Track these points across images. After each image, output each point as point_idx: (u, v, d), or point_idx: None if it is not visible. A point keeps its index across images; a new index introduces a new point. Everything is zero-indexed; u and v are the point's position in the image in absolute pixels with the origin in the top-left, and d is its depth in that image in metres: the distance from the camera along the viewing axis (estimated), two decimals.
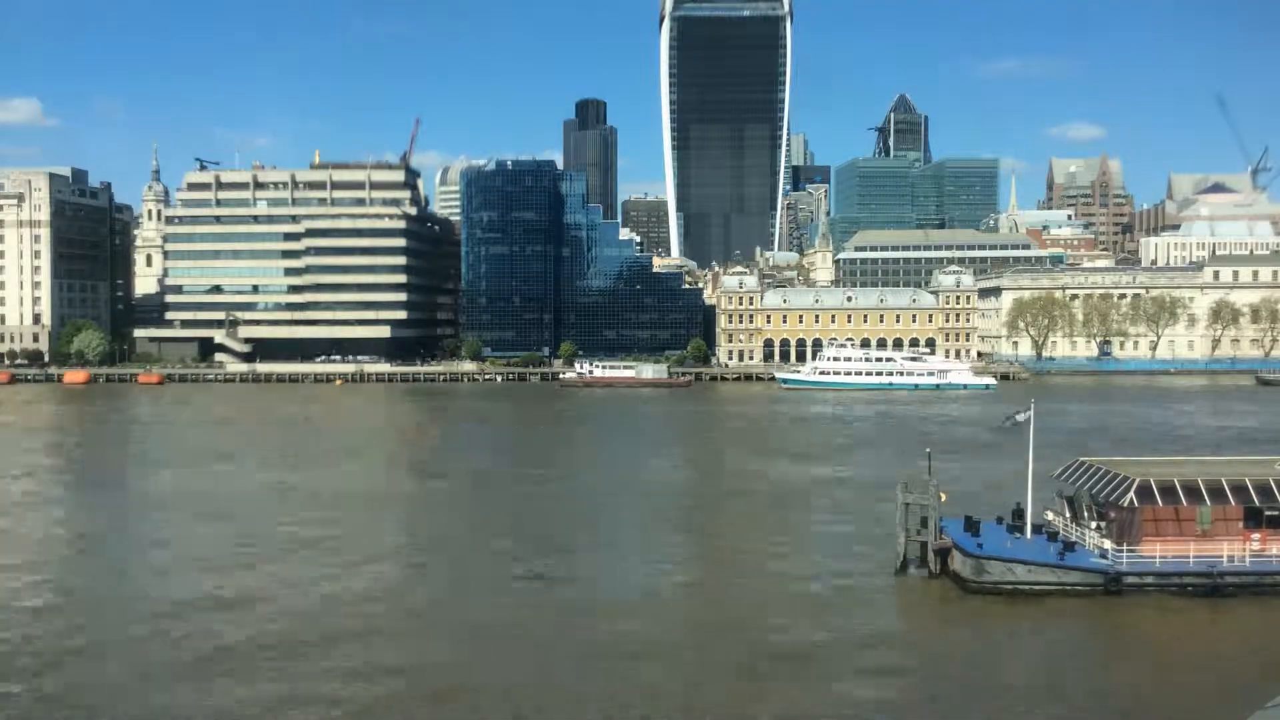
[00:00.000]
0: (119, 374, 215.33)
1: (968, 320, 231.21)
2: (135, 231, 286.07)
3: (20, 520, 67.51)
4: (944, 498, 53.44)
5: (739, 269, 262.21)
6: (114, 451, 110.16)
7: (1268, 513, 48.60)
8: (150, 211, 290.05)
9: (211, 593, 48.94)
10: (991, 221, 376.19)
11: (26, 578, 52.28)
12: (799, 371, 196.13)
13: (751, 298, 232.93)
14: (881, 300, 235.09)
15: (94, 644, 41.93)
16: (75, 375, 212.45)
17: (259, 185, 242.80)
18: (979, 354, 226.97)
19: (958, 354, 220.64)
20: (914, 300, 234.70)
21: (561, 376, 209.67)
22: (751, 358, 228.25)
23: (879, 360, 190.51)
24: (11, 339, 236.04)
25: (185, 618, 44.85)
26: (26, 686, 37.09)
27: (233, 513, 68.25)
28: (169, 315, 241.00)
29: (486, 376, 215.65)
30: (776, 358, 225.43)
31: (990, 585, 47.95)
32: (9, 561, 55.57)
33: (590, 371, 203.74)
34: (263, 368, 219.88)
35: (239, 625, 43.80)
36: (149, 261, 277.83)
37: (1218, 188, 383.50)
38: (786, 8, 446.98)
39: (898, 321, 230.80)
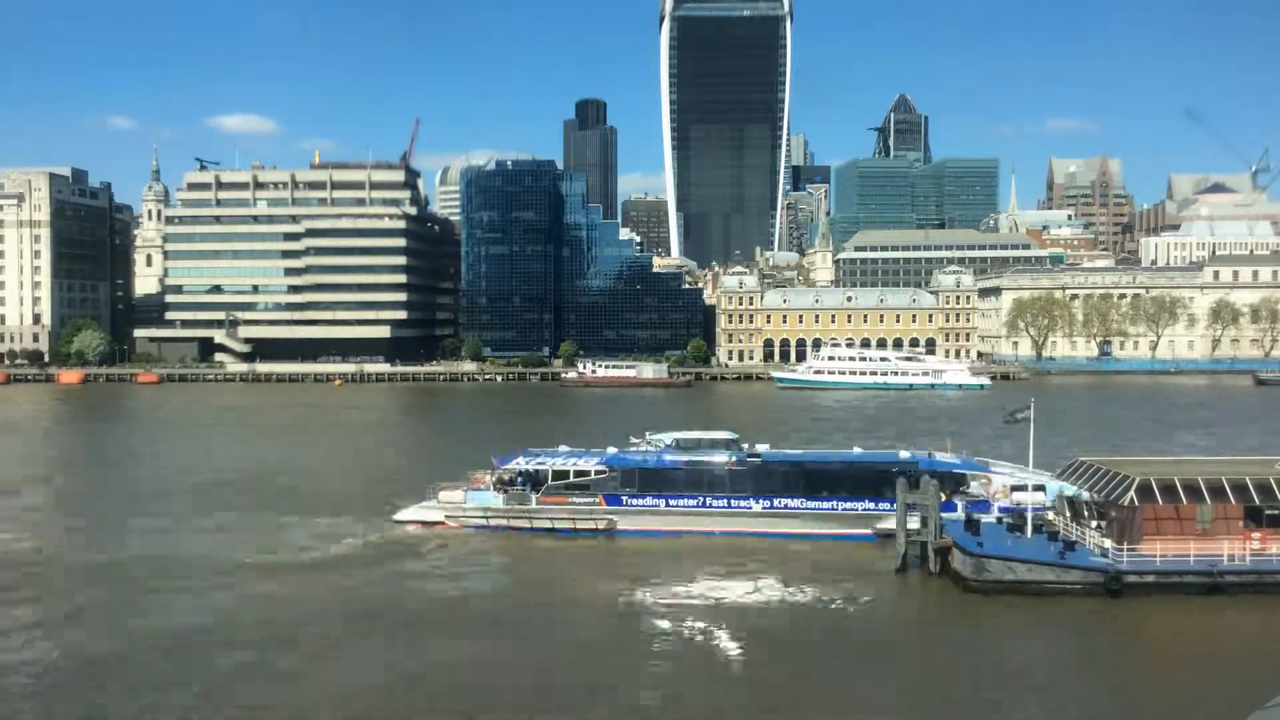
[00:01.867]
0: (116, 374, 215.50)
1: (968, 320, 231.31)
2: (135, 231, 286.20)
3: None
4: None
5: (739, 269, 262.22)
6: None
7: (1268, 512, 48.58)
8: (150, 211, 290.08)
9: None
10: (991, 221, 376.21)
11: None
12: (794, 371, 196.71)
13: (751, 298, 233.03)
14: (881, 300, 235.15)
15: None
16: (69, 376, 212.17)
17: (259, 185, 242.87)
18: (979, 354, 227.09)
19: (958, 354, 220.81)
20: (914, 300, 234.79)
21: (562, 376, 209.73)
22: (751, 358, 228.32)
23: (874, 360, 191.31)
24: (11, 339, 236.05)
25: None
26: None
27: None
28: (169, 315, 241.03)
29: (487, 376, 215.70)
30: (776, 358, 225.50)
31: (991, 584, 47.97)
32: None
33: (591, 371, 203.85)
34: (262, 368, 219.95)
35: None
36: (149, 261, 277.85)
37: (1218, 188, 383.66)
38: (786, 7, 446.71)
39: (898, 321, 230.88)
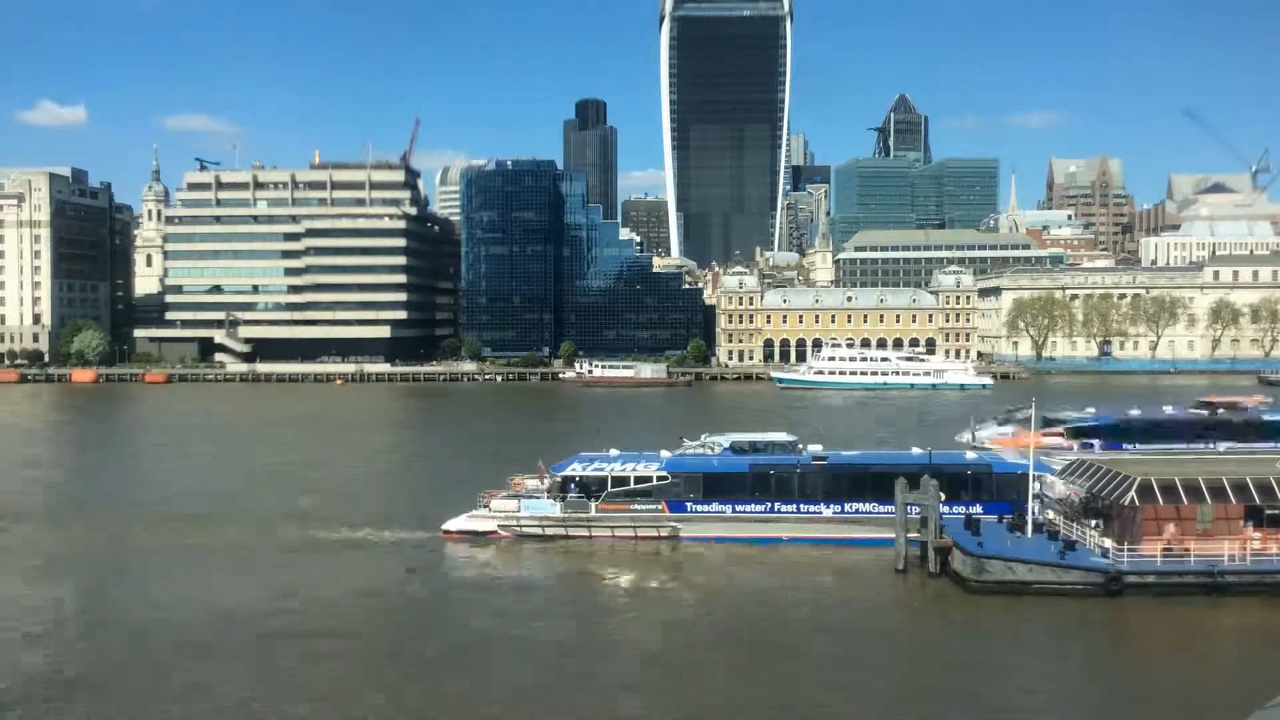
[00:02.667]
0: (123, 374, 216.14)
1: (968, 320, 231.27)
2: (135, 231, 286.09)
3: None
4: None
5: (739, 269, 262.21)
6: None
7: (1268, 511, 48.55)
8: (150, 211, 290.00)
9: None
10: (991, 221, 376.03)
11: None
12: (795, 371, 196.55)
13: (751, 298, 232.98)
14: (881, 300, 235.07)
15: None
16: (83, 375, 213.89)
17: (259, 185, 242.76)
18: (979, 354, 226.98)
19: (958, 354, 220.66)
20: (914, 300, 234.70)
21: (561, 376, 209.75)
22: (751, 358, 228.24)
23: (875, 360, 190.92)
24: (11, 339, 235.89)
25: None
26: None
27: None
28: (169, 315, 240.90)
29: (486, 376, 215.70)
30: (776, 358, 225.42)
31: (991, 584, 47.92)
32: None
33: (590, 371, 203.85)
34: (263, 368, 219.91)
35: None
36: (149, 261, 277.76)
37: (1218, 188, 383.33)
38: (786, 7, 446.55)
39: (898, 321, 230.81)
